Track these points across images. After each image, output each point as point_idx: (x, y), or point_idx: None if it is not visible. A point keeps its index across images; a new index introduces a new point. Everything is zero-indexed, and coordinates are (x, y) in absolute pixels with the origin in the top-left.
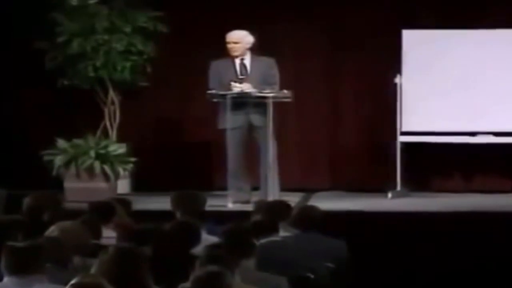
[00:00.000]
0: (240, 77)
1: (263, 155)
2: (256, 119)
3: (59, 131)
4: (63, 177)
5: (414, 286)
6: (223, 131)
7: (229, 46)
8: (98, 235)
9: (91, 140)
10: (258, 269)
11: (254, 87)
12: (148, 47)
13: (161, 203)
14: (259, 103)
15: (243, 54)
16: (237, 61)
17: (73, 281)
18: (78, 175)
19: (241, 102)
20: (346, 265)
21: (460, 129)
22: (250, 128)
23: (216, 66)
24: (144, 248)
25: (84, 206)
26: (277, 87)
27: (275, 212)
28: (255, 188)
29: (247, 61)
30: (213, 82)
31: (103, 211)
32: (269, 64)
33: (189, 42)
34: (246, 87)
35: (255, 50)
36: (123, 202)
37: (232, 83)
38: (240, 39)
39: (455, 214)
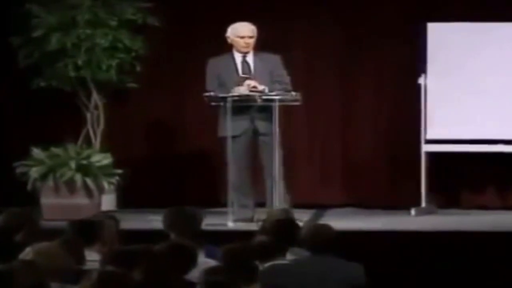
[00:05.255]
0: (243, 76)
1: (268, 166)
2: (262, 125)
3: (35, 139)
4: (40, 192)
5: None
6: (223, 139)
7: (243, 40)
8: (81, 258)
9: (72, 150)
10: None
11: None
12: (137, 43)
13: (152, 221)
14: (265, 107)
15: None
16: (238, 58)
17: None
18: (56, 190)
19: (245, 106)
20: None
21: (494, 136)
22: (255, 136)
23: (215, 65)
24: (133, 273)
25: (64, 225)
26: (290, 87)
27: (282, 232)
28: (259, 204)
29: (250, 58)
30: (211, 83)
31: (86, 231)
32: (276, 61)
33: (184, 37)
34: (253, 84)
35: (258, 45)
36: (110, 219)
37: (236, 88)
38: (254, 33)
39: (489, 234)
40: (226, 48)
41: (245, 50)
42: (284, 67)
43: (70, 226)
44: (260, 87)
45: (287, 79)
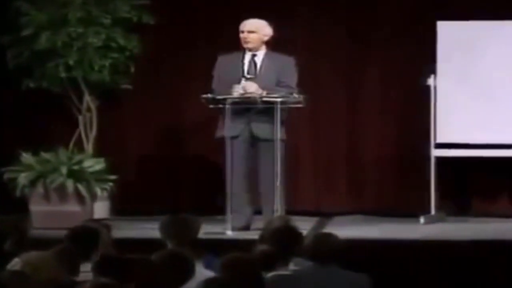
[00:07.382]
0: (247, 76)
1: (268, 170)
2: (260, 130)
3: (24, 143)
4: (29, 199)
5: None
6: (222, 143)
7: (242, 35)
8: (75, 269)
9: (63, 154)
10: None
11: (263, 88)
12: (131, 42)
13: (147, 229)
14: (265, 110)
15: (257, 48)
16: (247, 56)
17: None
18: (46, 196)
19: (243, 108)
20: None
21: (507, 140)
22: (254, 140)
23: (222, 63)
24: (127, 284)
25: (54, 233)
26: (295, 91)
27: (282, 241)
28: (258, 212)
29: (259, 58)
30: (216, 82)
31: (84, 239)
32: (286, 63)
33: (181, 37)
34: (250, 88)
35: (271, 45)
36: (102, 227)
37: (234, 86)
38: (257, 29)
39: (501, 243)
40: (225, 47)
41: (245, 46)
42: (295, 70)
43: (69, 233)
44: (259, 91)
45: (292, 82)
